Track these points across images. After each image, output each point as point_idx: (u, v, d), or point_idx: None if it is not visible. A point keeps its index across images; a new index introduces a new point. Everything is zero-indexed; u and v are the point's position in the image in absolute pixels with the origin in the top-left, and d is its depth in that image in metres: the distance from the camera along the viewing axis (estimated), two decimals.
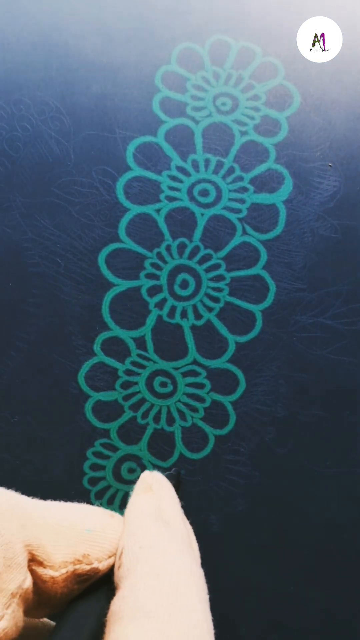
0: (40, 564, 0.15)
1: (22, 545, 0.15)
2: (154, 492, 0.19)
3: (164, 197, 0.31)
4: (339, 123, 0.32)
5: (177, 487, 0.23)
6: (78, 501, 0.18)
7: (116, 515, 0.18)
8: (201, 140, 0.31)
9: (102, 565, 0.16)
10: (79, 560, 0.16)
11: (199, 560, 0.19)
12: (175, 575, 0.16)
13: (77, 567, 0.16)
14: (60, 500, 0.18)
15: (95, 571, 0.16)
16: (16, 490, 0.17)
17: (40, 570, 0.15)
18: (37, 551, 0.15)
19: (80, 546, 0.16)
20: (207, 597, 0.16)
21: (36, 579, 0.15)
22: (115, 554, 0.17)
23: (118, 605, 0.15)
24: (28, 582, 0.15)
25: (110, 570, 0.17)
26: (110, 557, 0.17)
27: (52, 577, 0.16)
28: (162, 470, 0.31)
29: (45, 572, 0.15)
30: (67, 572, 0.16)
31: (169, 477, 0.23)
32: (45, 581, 0.16)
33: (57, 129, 0.31)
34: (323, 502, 0.31)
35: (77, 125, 0.31)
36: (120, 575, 0.16)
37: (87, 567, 0.16)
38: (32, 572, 0.15)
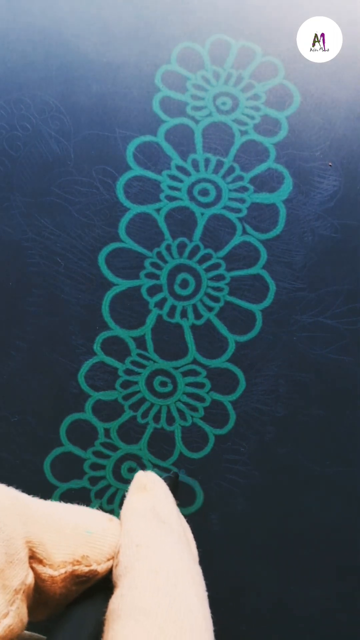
0: (40, 562, 0.15)
1: (23, 541, 0.15)
2: (148, 491, 0.19)
3: (164, 196, 0.31)
4: (339, 122, 0.32)
5: (174, 489, 0.23)
6: (78, 502, 0.18)
7: (114, 519, 0.18)
8: (201, 140, 0.31)
9: (101, 568, 0.16)
10: (78, 561, 0.16)
11: (196, 558, 0.19)
12: (173, 573, 0.16)
13: (75, 567, 0.16)
14: (61, 501, 0.18)
15: (93, 573, 0.16)
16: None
17: (39, 568, 0.15)
18: (38, 549, 0.15)
19: (80, 548, 0.16)
20: (205, 594, 0.16)
21: (35, 577, 0.15)
22: (113, 557, 0.17)
23: (117, 603, 0.15)
24: (30, 578, 0.15)
25: (109, 573, 0.17)
26: (108, 560, 0.17)
27: (51, 577, 0.16)
28: (162, 469, 0.31)
29: (45, 571, 0.15)
30: (65, 572, 0.16)
31: (166, 479, 0.23)
32: (44, 580, 0.16)
33: (57, 128, 0.31)
34: (323, 501, 0.31)
35: (77, 125, 0.31)
36: (118, 574, 0.16)
37: (86, 569, 0.16)
38: (32, 570, 0.15)
